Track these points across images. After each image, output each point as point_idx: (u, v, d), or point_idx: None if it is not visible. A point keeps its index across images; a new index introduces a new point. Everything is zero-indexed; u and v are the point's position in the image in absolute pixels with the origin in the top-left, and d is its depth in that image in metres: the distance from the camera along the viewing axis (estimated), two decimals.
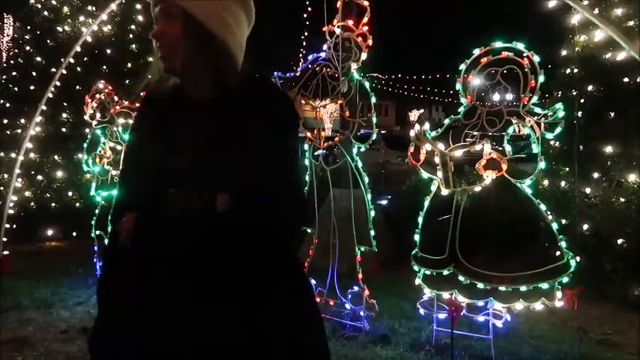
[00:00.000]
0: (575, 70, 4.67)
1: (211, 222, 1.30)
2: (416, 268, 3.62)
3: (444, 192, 3.48)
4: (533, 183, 3.29)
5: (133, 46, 7.05)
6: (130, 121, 4.83)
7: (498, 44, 3.27)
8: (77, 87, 6.35)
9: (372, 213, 3.84)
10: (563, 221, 4.65)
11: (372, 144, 4.04)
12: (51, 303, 4.39)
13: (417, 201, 3.62)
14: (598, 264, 4.25)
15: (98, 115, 5.02)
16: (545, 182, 4.95)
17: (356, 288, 3.94)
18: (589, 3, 4.46)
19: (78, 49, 5.05)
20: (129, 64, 6.93)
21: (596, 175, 4.43)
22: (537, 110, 3.20)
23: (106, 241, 1.58)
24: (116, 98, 4.99)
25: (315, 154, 4.03)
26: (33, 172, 6.70)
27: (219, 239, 1.32)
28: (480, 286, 3.35)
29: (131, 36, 7.09)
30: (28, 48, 7.01)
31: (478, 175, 3.36)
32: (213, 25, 1.32)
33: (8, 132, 6.89)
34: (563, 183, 4.73)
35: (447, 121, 3.52)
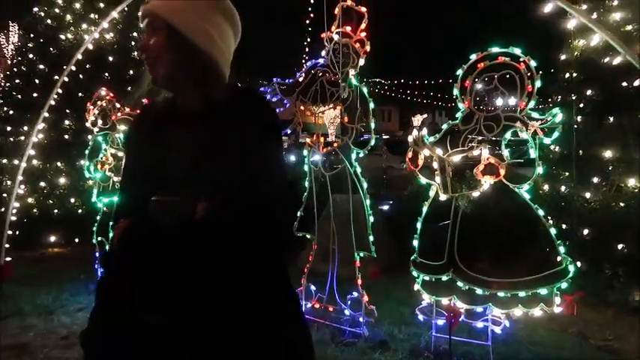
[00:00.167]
0: (574, 75, 4.67)
1: (195, 227, 1.32)
2: (415, 273, 3.62)
3: (443, 197, 3.48)
4: (531, 188, 3.29)
5: (135, 53, 7.10)
6: None
7: (495, 49, 3.27)
8: (80, 94, 6.39)
9: (371, 218, 3.84)
10: (564, 226, 4.65)
11: (373, 149, 4.05)
12: (52, 309, 4.41)
13: (419, 206, 3.62)
14: (598, 269, 4.23)
15: (100, 121, 5.04)
16: (546, 187, 4.93)
17: (355, 294, 3.94)
18: (587, 7, 4.46)
19: (79, 56, 5.10)
20: (131, 71, 6.96)
21: (595, 179, 4.41)
22: (535, 115, 3.20)
23: (107, 247, 1.61)
24: (118, 105, 5.02)
25: (312, 159, 4.03)
26: (36, 179, 6.72)
27: (204, 245, 1.34)
28: (479, 291, 3.35)
29: (133, 43, 7.14)
30: (31, 56, 7.07)
31: (477, 181, 3.36)
32: (196, 38, 1.35)
33: (11, 139, 6.94)
34: (563, 188, 4.71)
35: (444, 127, 3.52)
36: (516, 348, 3.68)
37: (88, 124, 5.15)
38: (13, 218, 5.53)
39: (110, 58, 6.94)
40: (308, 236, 4.18)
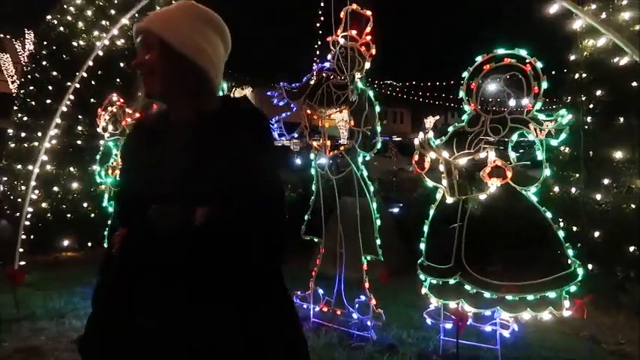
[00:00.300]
0: (584, 75, 4.61)
1: (195, 233, 1.35)
2: (422, 276, 3.61)
3: (449, 200, 3.47)
4: (539, 190, 3.25)
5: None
6: None
7: (501, 51, 3.26)
8: (92, 100, 6.48)
9: (378, 222, 3.83)
10: (574, 228, 4.60)
11: (380, 151, 4.04)
12: (64, 313, 4.46)
13: (429, 209, 3.62)
14: (610, 272, 4.17)
15: (110, 127, 5.12)
16: (556, 189, 4.88)
17: (363, 297, 3.93)
18: (597, 7, 4.41)
19: (90, 63, 5.18)
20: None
21: (606, 181, 4.35)
22: (541, 117, 3.17)
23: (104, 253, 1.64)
24: (128, 110, 5.08)
25: (319, 162, 4.04)
26: (49, 184, 6.82)
27: (204, 249, 1.36)
28: (487, 295, 3.33)
29: None
30: (44, 63, 7.18)
31: (483, 183, 3.34)
32: (190, 53, 1.40)
33: (25, 145, 7.05)
34: (573, 189, 4.66)
35: (450, 129, 3.50)
36: (526, 352, 3.64)
37: (99, 130, 5.23)
38: (27, 223, 5.63)
39: (121, 64, 7.03)
40: (315, 239, 4.19)
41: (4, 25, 18.45)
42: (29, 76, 7.44)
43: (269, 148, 1.52)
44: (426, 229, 3.60)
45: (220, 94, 1.58)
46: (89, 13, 7.13)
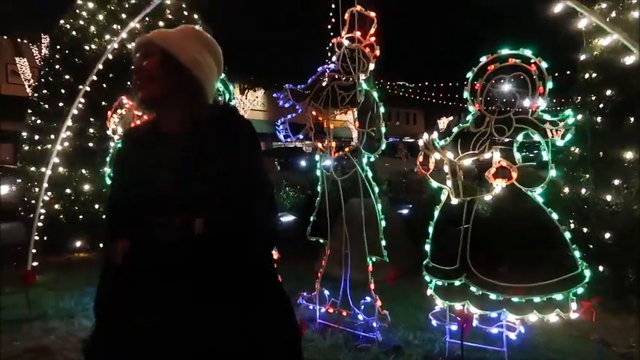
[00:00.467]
0: (594, 75, 4.55)
1: (191, 243, 1.42)
2: (427, 278, 3.59)
3: (454, 201, 3.45)
4: (545, 191, 3.22)
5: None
6: None
7: (505, 51, 3.23)
8: (103, 103, 6.56)
9: (383, 223, 3.83)
10: (585, 230, 4.54)
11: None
12: (74, 313, 4.53)
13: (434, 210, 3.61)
14: (620, 274, 4.10)
15: (120, 129, 5.18)
16: (566, 190, 4.82)
17: (368, 299, 3.93)
18: (606, 6, 4.35)
19: (100, 66, 5.26)
20: None
21: (616, 181, 4.29)
22: (547, 117, 3.14)
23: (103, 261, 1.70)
24: (138, 113, 5.14)
25: (323, 164, 4.05)
26: (62, 186, 6.92)
27: (202, 252, 1.42)
28: (493, 297, 3.31)
29: None
30: (57, 66, 7.31)
31: (489, 184, 3.32)
32: (185, 60, 1.52)
33: (39, 147, 7.18)
34: (583, 190, 4.60)
35: (455, 130, 3.49)
36: (533, 354, 3.60)
37: (109, 132, 5.30)
38: (40, 224, 5.73)
39: (132, 67, 7.11)
40: (321, 241, 4.19)
41: (21, 30, 18.80)
42: (43, 80, 7.58)
43: (256, 152, 1.61)
44: (430, 230, 3.59)
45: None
46: (101, 17, 7.24)
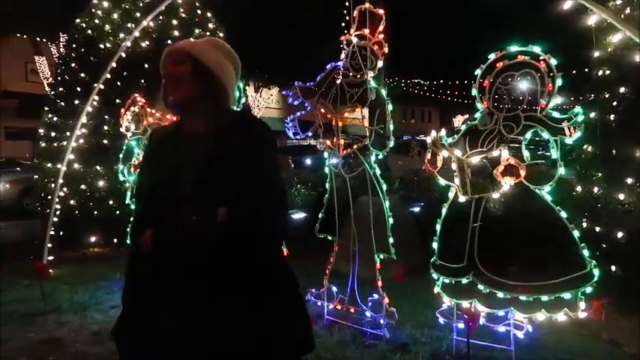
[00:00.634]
0: (607, 72, 4.49)
1: (213, 233, 1.53)
2: (434, 275, 3.59)
3: (462, 199, 3.44)
4: (553, 189, 3.19)
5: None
6: None
7: (514, 48, 3.21)
8: (117, 100, 6.65)
9: (391, 220, 3.83)
10: (597, 229, 4.48)
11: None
12: (87, 306, 4.62)
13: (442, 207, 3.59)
14: (633, 273, 4.04)
15: (133, 126, 5.26)
16: (579, 188, 4.76)
17: (376, 296, 3.94)
18: (621, 3, 4.29)
19: (114, 64, 5.34)
20: None
21: (629, 180, 4.22)
22: (556, 115, 3.11)
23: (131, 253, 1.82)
24: (151, 110, 5.21)
25: (330, 162, 4.07)
26: (77, 182, 7.04)
27: (222, 247, 1.53)
28: (500, 295, 3.29)
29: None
30: (73, 65, 7.43)
31: (497, 182, 3.30)
32: (214, 67, 1.66)
33: (55, 144, 7.31)
34: (595, 189, 4.54)
35: (463, 127, 3.47)
36: (542, 354, 3.58)
37: (122, 129, 5.38)
38: (56, 219, 5.84)
39: (146, 65, 7.20)
40: (330, 238, 4.21)
41: (40, 29, 19.14)
42: (59, 78, 7.71)
43: (270, 153, 1.71)
44: (438, 227, 3.59)
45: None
46: (115, 16, 7.34)
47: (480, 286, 3.35)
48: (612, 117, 4.40)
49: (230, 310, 1.52)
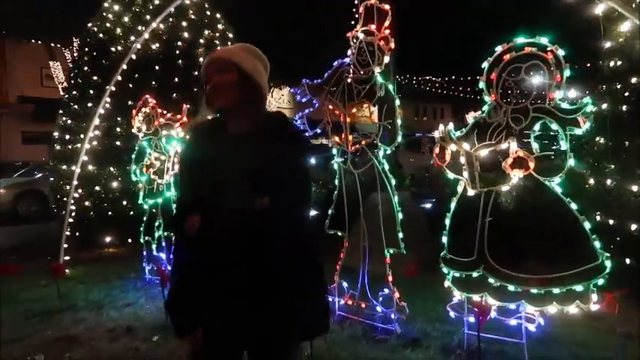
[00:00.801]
0: (619, 63, 4.44)
1: (256, 217, 1.69)
2: (445, 270, 3.59)
3: (471, 192, 3.43)
4: (563, 181, 3.17)
5: (180, 61, 7.42)
6: (172, 132, 5.10)
7: (521, 40, 3.19)
8: (129, 102, 6.74)
9: (400, 215, 3.83)
10: (611, 221, 4.43)
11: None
12: (102, 304, 4.71)
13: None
14: None
15: (144, 127, 5.34)
16: (591, 181, 4.72)
17: (386, 291, 3.94)
18: None
19: (125, 67, 5.41)
20: (176, 79, 7.31)
21: None
22: (564, 106, 3.09)
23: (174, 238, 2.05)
24: (164, 112, 5.27)
25: (337, 159, 4.08)
26: (91, 184, 7.15)
27: (264, 231, 1.70)
28: (511, 288, 3.27)
29: (177, 52, 7.47)
30: (86, 68, 7.54)
31: (506, 174, 3.29)
32: (254, 74, 1.82)
33: (70, 147, 7.43)
34: (608, 181, 4.49)
35: (471, 121, 3.46)
36: (555, 347, 3.55)
37: (134, 130, 5.46)
38: (71, 220, 5.95)
39: (157, 67, 7.29)
40: (340, 233, 4.22)
41: (54, 34, 19.42)
42: (72, 82, 7.84)
43: (308, 155, 1.97)
44: (447, 222, 3.58)
45: None
46: (126, 19, 7.43)
47: (491, 280, 3.34)
48: (624, 108, 4.35)
49: (271, 290, 1.71)
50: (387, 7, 3.69)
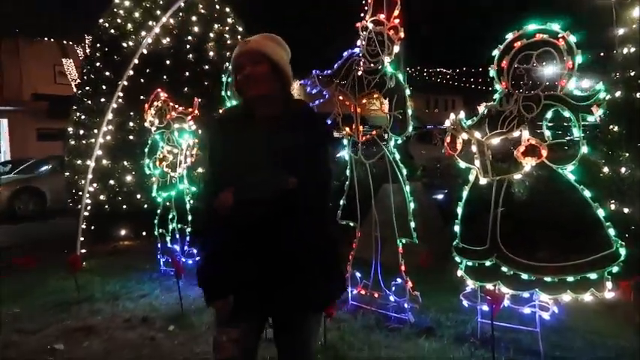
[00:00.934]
0: (633, 50, 4.38)
1: (287, 195, 1.79)
2: (457, 259, 3.58)
3: (483, 181, 3.42)
4: (578, 169, 3.14)
5: (190, 55, 7.46)
6: (184, 125, 5.14)
7: (532, 27, 3.17)
8: (141, 97, 6.79)
9: (412, 205, 3.84)
10: (625, 210, 4.39)
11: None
12: (118, 295, 4.80)
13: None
14: None
15: (156, 121, 5.39)
16: (606, 169, 4.67)
17: (399, 280, 3.96)
18: None
19: (136, 61, 5.46)
20: (187, 73, 7.35)
21: None
22: (576, 92, 3.07)
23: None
24: (176, 105, 5.32)
25: (351, 148, 4.09)
26: (106, 178, 7.24)
27: (291, 207, 1.81)
28: (525, 276, 3.26)
29: (188, 47, 7.51)
30: (98, 64, 7.62)
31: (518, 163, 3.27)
32: (283, 64, 1.95)
33: (84, 142, 7.52)
34: (623, 169, 4.44)
35: (482, 109, 3.45)
36: (570, 336, 3.54)
37: (146, 124, 5.52)
38: (87, 214, 6.04)
39: (167, 62, 7.34)
40: (352, 224, 4.24)
41: (66, 32, 19.60)
42: (85, 78, 7.92)
43: (329, 140, 2.08)
44: (459, 211, 3.58)
45: None
46: (137, 14, 7.48)
47: (504, 268, 3.33)
48: (638, 95, 4.30)
49: (296, 263, 1.84)
50: None
